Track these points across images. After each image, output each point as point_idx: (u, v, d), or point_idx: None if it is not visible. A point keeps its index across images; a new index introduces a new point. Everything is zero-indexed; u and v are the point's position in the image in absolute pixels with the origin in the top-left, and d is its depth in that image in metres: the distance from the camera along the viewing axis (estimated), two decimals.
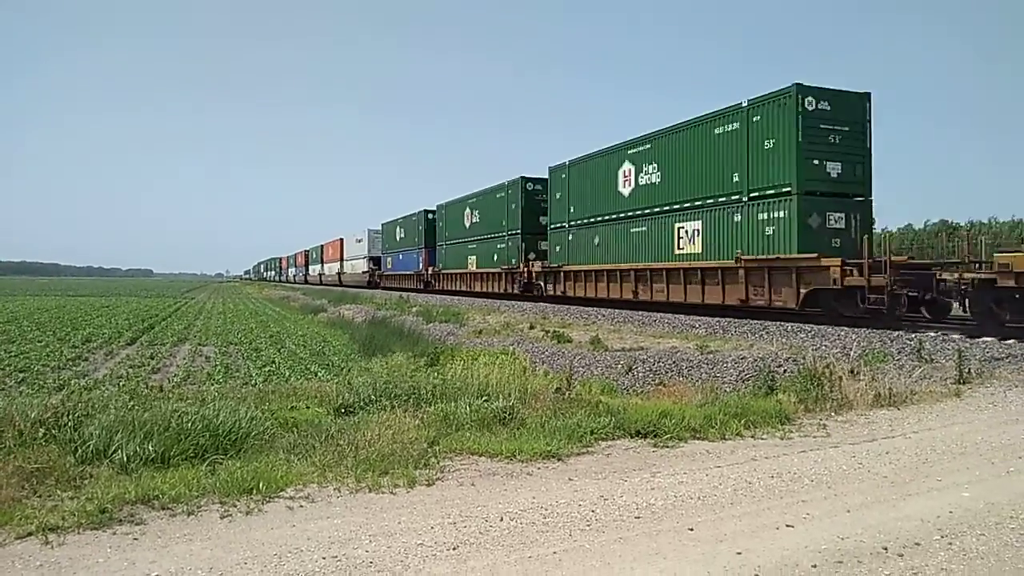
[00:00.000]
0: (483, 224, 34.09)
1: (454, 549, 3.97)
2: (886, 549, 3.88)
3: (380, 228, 55.68)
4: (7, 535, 4.07)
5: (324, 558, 3.81)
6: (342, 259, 68.47)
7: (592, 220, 24.17)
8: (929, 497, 4.84)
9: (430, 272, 42.03)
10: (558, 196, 26.77)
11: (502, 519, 4.47)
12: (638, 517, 4.53)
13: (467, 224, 36.32)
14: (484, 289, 34.09)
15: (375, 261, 57.16)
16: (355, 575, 3.61)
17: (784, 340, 13.47)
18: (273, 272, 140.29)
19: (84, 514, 4.32)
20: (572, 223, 25.64)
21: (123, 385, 11.00)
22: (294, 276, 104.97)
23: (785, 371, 10.43)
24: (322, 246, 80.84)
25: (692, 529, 4.28)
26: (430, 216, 42.97)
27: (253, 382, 11.85)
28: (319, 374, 12.87)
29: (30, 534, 4.07)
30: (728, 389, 10.10)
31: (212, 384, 11.30)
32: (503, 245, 31.56)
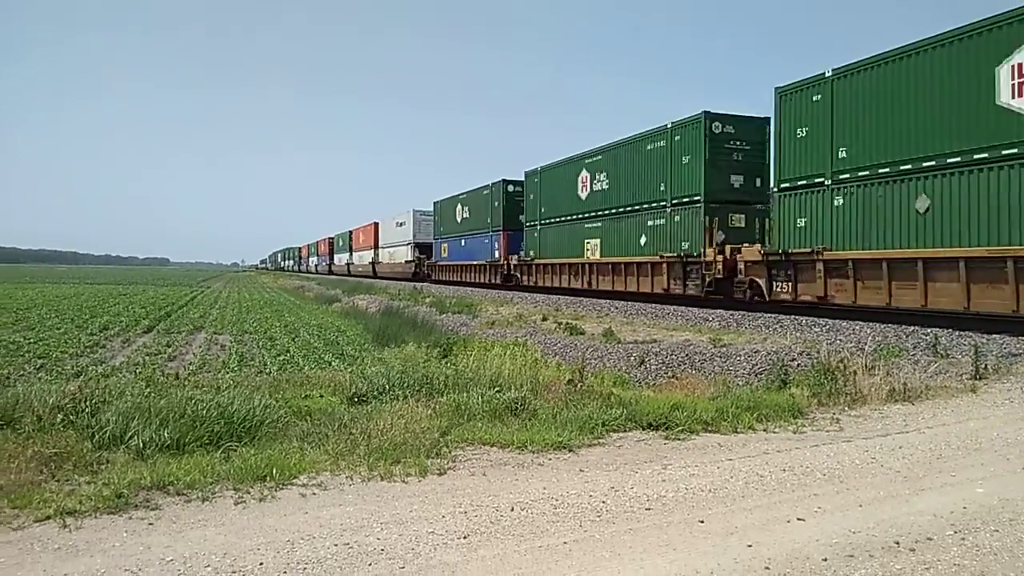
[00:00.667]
0: (616, 193, 23.51)
1: (465, 538, 3.99)
2: (898, 543, 3.87)
3: (433, 207, 44.94)
4: (26, 518, 4.15)
5: (336, 545, 3.85)
6: (376, 246, 59.71)
7: (911, 168, 13.32)
8: (942, 492, 4.81)
9: (513, 262, 31.93)
10: (802, 134, 15.82)
11: (513, 509, 4.49)
12: (649, 509, 4.53)
13: (582, 194, 25.74)
14: (622, 288, 22.98)
15: (423, 249, 47.30)
16: (366, 562, 3.64)
17: (798, 334, 13.38)
18: (291, 261, 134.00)
19: (101, 499, 4.39)
20: (847, 175, 14.69)
21: (140, 372, 11.12)
22: (316, 266, 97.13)
23: (798, 365, 10.37)
24: (351, 232, 71.48)
25: (703, 521, 4.28)
26: (511, 188, 33.06)
27: (268, 371, 11.95)
28: (333, 363, 12.95)
29: (48, 517, 4.15)
30: (741, 382, 10.06)
31: (227, 372, 11.40)
32: (660, 221, 20.92)
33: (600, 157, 24.80)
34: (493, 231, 34.58)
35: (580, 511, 4.47)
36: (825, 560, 3.65)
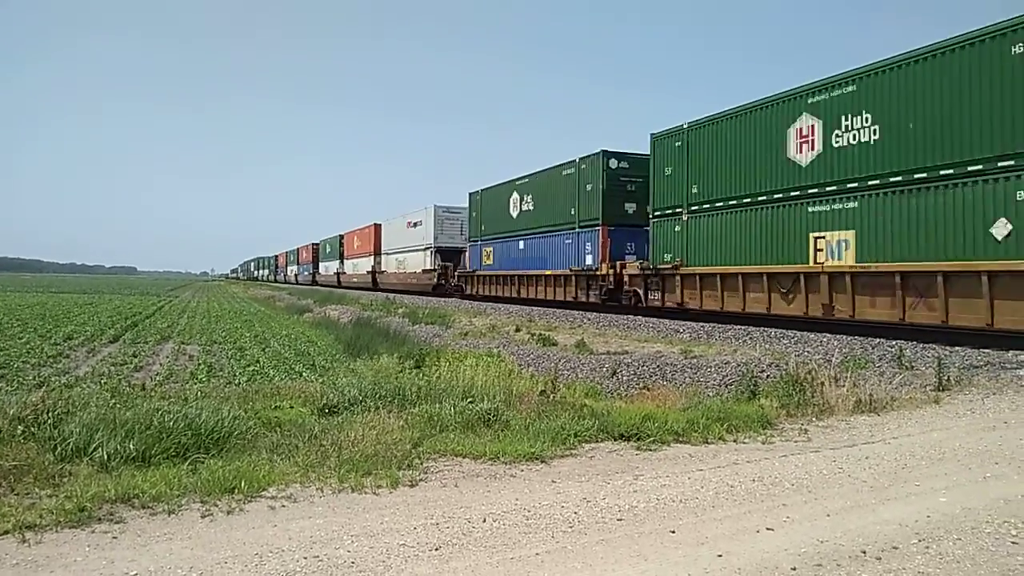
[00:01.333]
0: (899, 146, 13.50)
1: (436, 550, 3.97)
2: (864, 552, 3.92)
3: (468, 201, 34.87)
4: None
5: (305, 558, 3.80)
6: (377, 252, 50.96)
7: None
8: (907, 502, 4.90)
9: (631, 273, 21.81)
10: None
11: (485, 520, 4.48)
12: (620, 519, 4.55)
13: (802, 156, 15.61)
14: (938, 316, 12.58)
15: (448, 255, 38.32)
16: (336, 575, 3.60)
17: (767, 346, 13.56)
18: (266, 271, 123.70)
19: (62, 512, 4.28)
20: None
21: (105, 383, 10.89)
22: (296, 276, 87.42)
23: (768, 376, 10.51)
24: (341, 236, 63.01)
25: (674, 532, 4.31)
26: (615, 164, 23.17)
27: (237, 381, 11.78)
28: (304, 374, 12.81)
29: (7, 532, 4.03)
30: (711, 393, 10.16)
31: (195, 383, 11.22)
32: None
33: (851, 89, 14.49)
34: (583, 227, 24.17)
35: (552, 522, 4.47)
36: (794, 569, 3.69)
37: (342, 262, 63.69)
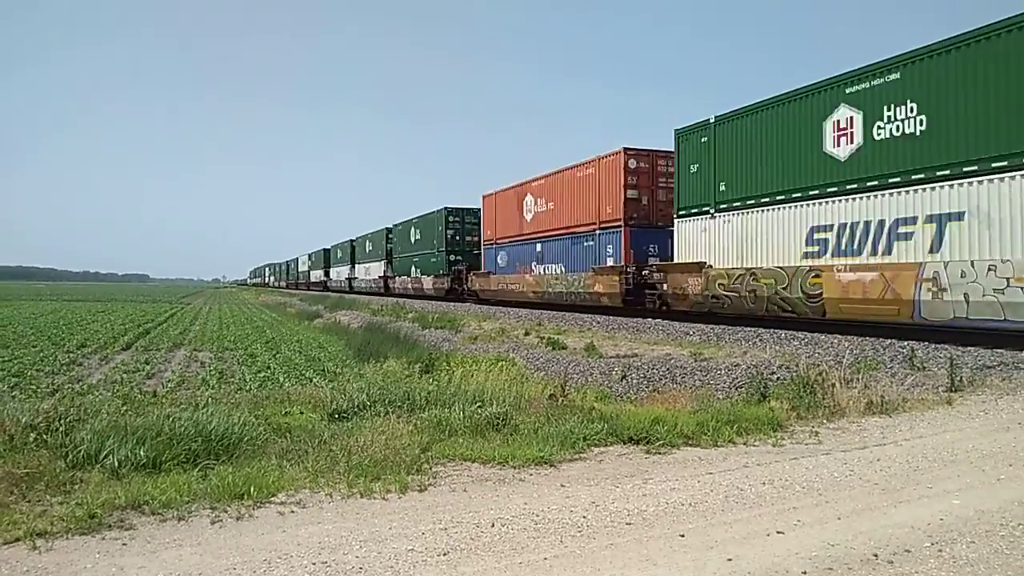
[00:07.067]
0: None
1: (445, 555, 3.96)
2: (876, 556, 3.89)
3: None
4: None
5: (314, 564, 3.80)
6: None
7: None
8: (920, 504, 4.85)
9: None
10: None
11: (493, 525, 4.47)
12: (629, 523, 4.53)
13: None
14: None
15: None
16: None
17: (778, 347, 13.48)
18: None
19: (73, 519, 4.31)
20: None
21: (117, 390, 10.97)
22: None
23: (778, 378, 10.44)
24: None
25: (683, 536, 4.28)
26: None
27: (248, 387, 11.83)
28: (314, 380, 12.85)
29: (18, 539, 4.06)
30: (721, 396, 10.11)
31: (206, 390, 11.28)
32: None
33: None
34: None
35: (561, 527, 4.45)
36: (804, 573, 3.66)
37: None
